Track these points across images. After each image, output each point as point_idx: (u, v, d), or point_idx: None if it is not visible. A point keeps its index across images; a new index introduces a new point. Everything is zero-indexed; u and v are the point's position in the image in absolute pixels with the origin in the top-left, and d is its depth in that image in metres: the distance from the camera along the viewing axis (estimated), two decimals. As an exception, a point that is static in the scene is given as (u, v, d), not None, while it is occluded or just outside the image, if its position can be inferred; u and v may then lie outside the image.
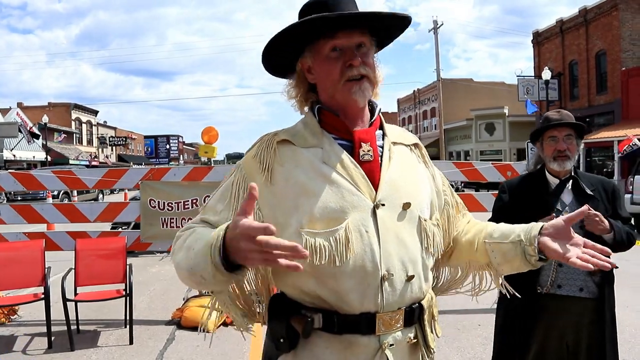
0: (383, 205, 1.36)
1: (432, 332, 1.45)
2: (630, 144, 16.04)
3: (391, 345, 1.34)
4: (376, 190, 1.37)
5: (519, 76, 28.87)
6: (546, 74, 25.89)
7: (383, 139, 1.48)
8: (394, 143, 1.50)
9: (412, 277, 1.36)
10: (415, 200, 1.42)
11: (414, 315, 1.39)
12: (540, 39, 30.62)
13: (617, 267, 2.65)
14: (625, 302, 6.20)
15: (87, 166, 34.36)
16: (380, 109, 1.52)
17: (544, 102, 26.49)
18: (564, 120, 2.61)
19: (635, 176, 12.53)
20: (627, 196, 12.59)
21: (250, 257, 1.11)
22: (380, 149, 1.45)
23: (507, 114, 35.87)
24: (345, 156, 1.39)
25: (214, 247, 1.18)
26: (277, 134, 1.46)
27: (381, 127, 1.51)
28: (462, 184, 25.88)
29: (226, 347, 4.80)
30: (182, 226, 5.23)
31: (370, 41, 1.44)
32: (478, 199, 6.07)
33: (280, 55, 1.48)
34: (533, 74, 29.88)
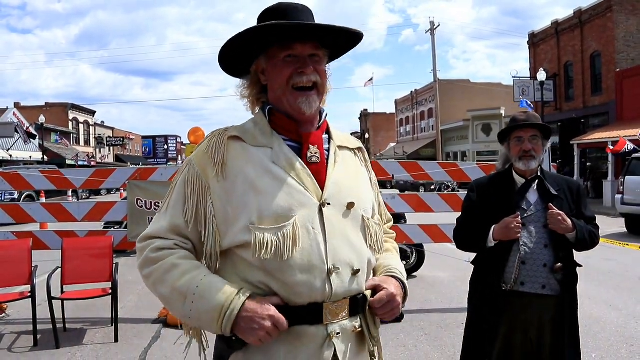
0: (329, 204, 1.43)
1: (374, 321, 1.51)
2: (625, 148, 16.11)
3: (338, 334, 1.40)
4: (322, 190, 1.44)
5: (514, 77, 28.96)
6: (541, 75, 25.97)
7: (329, 143, 1.56)
8: (340, 147, 1.58)
9: (358, 271, 1.43)
10: (359, 200, 1.50)
11: (358, 305, 1.45)
12: (535, 40, 30.70)
13: (581, 266, 2.73)
14: (608, 301, 6.25)
15: (86, 166, 34.42)
16: (326, 114, 1.59)
17: (539, 103, 26.56)
18: (530, 121, 2.67)
19: (626, 177, 12.60)
20: (618, 197, 12.67)
21: (257, 334, 1.32)
22: (327, 152, 1.53)
23: (503, 115, 35.91)
24: (294, 157, 1.46)
25: (227, 318, 1.32)
26: (227, 130, 1.51)
27: (327, 131, 1.58)
28: (458, 185, 25.96)
29: (211, 344, 4.83)
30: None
31: (323, 53, 1.52)
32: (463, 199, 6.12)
33: (237, 56, 1.54)
34: (529, 75, 29.95)
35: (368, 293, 1.47)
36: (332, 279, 1.38)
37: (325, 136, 1.56)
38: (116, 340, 4.93)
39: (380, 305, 1.45)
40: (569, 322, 2.55)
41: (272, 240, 1.34)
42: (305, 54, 1.47)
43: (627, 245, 9.81)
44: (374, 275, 1.56)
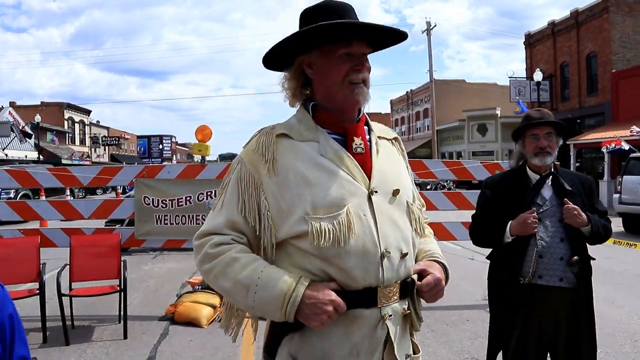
0: (376, 192, 1.50)
1: (419, 302, 1.58)
2: (614, 145, 16.26)
3: (390, 316, 1.46)
4: (369, 179, 1.51)
5: (510, 77, 29.10)
6: (538, 76, 26.11)
7: (369, 134, 1.63)
8: (379, 137, 1.65)
9: (406, 254, 1.51)
10: (402, 187, 1.58)
11: (407, 288, 1.52)
12: (532, 41, 30.86)
13: (594, 259, 2.78)
14: (610, 298, 6.33)
15: (82, 165, 34.27)
16: (364, 107, 1.65)
17: (535, 103, 26.71)
18: (545, 119, 2.72)
19: (624, 176, 12.71)
20: (616, 196, 12.78)
21: (320, 319, 1.38)
22: (369, 143, 1.60)
23: (499, 115, 36.08)
24: (340, 149, 1.53)
25: (291, 305, 1.38)
26: (274, 128, 1.58)
27: (366, 123, 1.65)
28: (454, 184, 26.08)
29: (219, 341, 4.87)
30: (175, 223, 5.25)
31: (369, 51, 1.60)
32: (467, 196, 6.18)
33: (284, 51, 1.58)
34: (525, 76, 30.10)
35: (415, 277, 1.54)
36: (384, 263, 1.45)
37: (365, 128, 1.63)
38: (125, 337, 4.95)
39: (428, 289, 1.52)
40: (585, 313, 2.62)
41: (328, 228, 1.41)
42: (360, 52, 1.53)
43: (636, 245, 9.89)
44: (416, 259, 1.62)
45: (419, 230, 1.60)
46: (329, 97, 1.56)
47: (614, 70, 23.82)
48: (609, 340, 4.83)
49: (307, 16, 1.56)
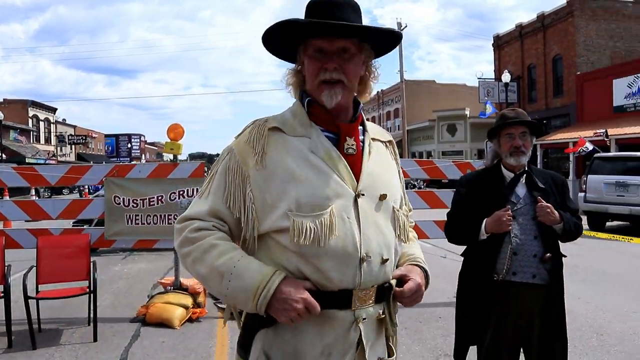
0: (363, 195, 1.49)
1: (394, 308, 1.58)
2: (583, 147, 16.74)
3: (364, 319, 1.46)
4: (357, 181, 1.50)
5: (480, 79, 29.67)
6: (506, 77, 26.66)
7: (364, 135, 1.62)
8: (373, 139, 1.64)
9: (387, 260, 1.50)
10: (390, 192, 1.57)
11: (384, 293, 1.52)
12: (500, 43, 31.47)
13: (565, 256, 2.84)
14: (577, 294, 6.49)
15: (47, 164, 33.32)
16: (362, 107, 1.64)
17: (503, 104, 27.25)
18: (520, 119, 2.76)
19: (589, 176, 13.07)
20: (581, 195, 13.12)
21: (289, 315, 1.37)
22: (362, 144, 1.59)
23: (468, 116, 36.67)
24: (331, 148, 1.51)
25: (263, 298, 1.38)
26: (267, 121, 1.56)
27: (362, 124, 1.63)
28: (425, 183, 26.39)
29: (192, 342, 4.81)
30: (147, 222, 5.17)
31: (359, 46, 1.53)
32: (439, 195, 6.26)
33: (285, 42, 1.57)
34: (494, 77, 30.68)
35: (393, 282, 1.54)
36: (363, 267, 1.44)
37: (360, 128, 1.61)
38: (95, 339, 4.84)
39: (409, 295, 1.52)
40: (557, 310, 2.68)
41: (310, 227, 1.39)
42: (333, 50, 1.49)
43: (630, 240, 10.17)
44: (398, 263, 1.62)
45: (402, 237, 1.59)
46: (312, 95, 1.55)
47: (578, 73, 24.50)
48: (577, 334, 4.95)
49: (305, 10, 1.55)
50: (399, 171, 1.71)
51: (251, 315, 1.49)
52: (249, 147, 1.51)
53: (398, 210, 1.57)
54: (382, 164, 1.61)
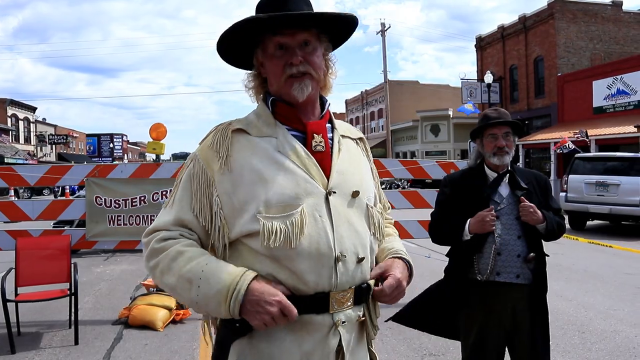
0: (334, 192, 1.44)
1: (375, 310, 1.54)
2: (565, 145, 17.00)
3: (343, 322, 1.41)
4: (328, 179, 1.45)
5: (462, 79, 29.91)
6: (488, 78, 26.94)
7: (332, 132, 1.57)
8: (343, 136, 1.59)
9: (363, 259, 1.45)
10: (363, 188, 1.52)
11: (362, 294, 1.46)
12: (482, 44, 31.76)
13: (548, 256, 2.87)
14: (559, 292, 6.57)
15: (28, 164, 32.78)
16: (329, 104, 1.60)
17: (486, 105, 27.52)
18: (503, 119, 2.77)
19: (570, 175, 13.24)
20: (562, 194, 13.29)
21: (262, 318, 1.31)
22: (330, 141, 1.53)
23: (451, 116, 36.95)
24: (299, 146, 1.46)
25: (234, 299, 1.32)
26: (231, 124, 1.51)
27: (330, 121, 1.59)
28: (409, 183, 26.53)
29: (175, 345, 4.76)
30: (129, 223, 5.09)
31: (318, 38, 1.51)
32: (423, 195, 6.28)
33: (239, 49, 1.53)
34: (476, 78, 30.95)
35: (371, 282, 1.49)
36: (338, 267, 1.39)
37: (328, 125, 1.57)
38: (76, 342, 4.76)
39: (389, 292, 1.47)
40: (540, 309, 2.69)
41: (280, 228, 1.35)
42: (295, 43, 1.45)
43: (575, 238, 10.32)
44: (377, 260, 1.57)
45: (377, 235, 1.54)
46: (280, 95, 1.50)
47: (559, 74, 24.82)
48: (559, 332, 5.00)
49: (256, 10, 1.51)
50: (371, 168, 1.67)
51: (224, 328, 1.44)
52: (212, 151, 1.46)
53: (372, 208, 1.53)
54: (353, 161, 1.57)
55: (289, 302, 1.32)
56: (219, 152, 1.45)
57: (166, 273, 1.39)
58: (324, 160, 1.48)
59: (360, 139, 1.68)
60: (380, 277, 1.51)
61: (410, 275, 1.57)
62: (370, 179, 1.62)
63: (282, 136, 1.47)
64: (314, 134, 1.49)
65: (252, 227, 1.37)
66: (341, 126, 1.62)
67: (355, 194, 1.48)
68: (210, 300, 1.34)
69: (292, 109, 1.49)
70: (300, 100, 1.47)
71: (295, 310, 1.32)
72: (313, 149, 1.47)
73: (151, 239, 1.45)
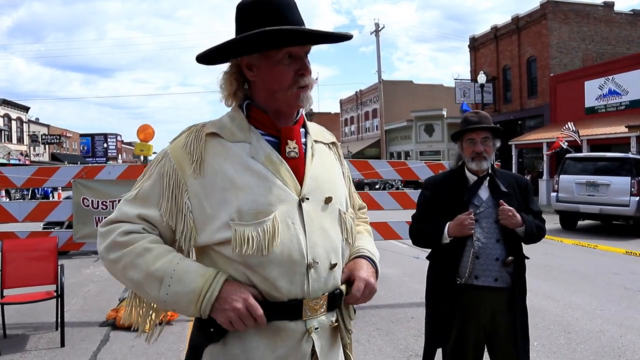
0: (308, 199, 1.44)
1: (348, 314, 1.54)
2: (561, 143, 17.07)
3: (316, 329, 1.42)
4: (301, 185, 1.45)
5: (456, 79, 29.98)
6: (481, 78, 27.01)
7: (306, 137, 1.57)
8: (316, 141, 1.59)
9: (335, 265, 1.46)
10: (336, 194, 1.53)
11: (336, 300, 1.47)
12: (476, 44, 31.82)
13: (528, 258, 2.88)
14: (547, 293, 6.60)
15: (20, 165, 32.58)
16: (303, 110, 1.58)
17: (479, 105, 27.60)
18: (482, 124, 2.77)
19: (561, 176, 13.31)
20: (553, 194, 13.36)
21: (227, 315, 1.32)
22: (304, 146, 1.53)
23: (445, 116, 37.01)
24: (272, 152, 1.45)
25: (207, 300, 1.33)
26: (205, 126, 1.49)
27: (304, 126, 1.58)
28: (402, 184, 26.58)
29: (162, 346, 4.75)
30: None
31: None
32: (412, 196, 6.30)
33: (221, 49, 1.48)
34: (470, 78, 31.02)
35: (343, 287, 1.50)
36: (311, 274, 1.39)
37: (302, 130, 1.56)
38: (62, 345, 4.75)
39: (360, 295, 1.48)
40: (519, 312, 2.70)
41: (252, 236, 1.34)
42: (303, 53, 1.46)
43: (563, 240, 10.37)
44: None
45: (350, 240, 1.54)
46: (271, 101, 1.48)
47: (552, 74, 24.91)
48: (545, 332, 5.04)
49: (244, 12, 1.47)
50: (344, 172, 1.68)
51: (197, 332, 1.44)
52: (185, 152, 1.44)
53: (344, 213, 1.53)
54: (326, 166, 1.56)
55: (255, 301, 1.33)
56: (192, 155, 1.43)
57: (130, 269, 1.38)
58: (298, 167, 1.47)
59: (333, 143, 1.68)
60: (347, 281, 1.51)
61: (376, 270, 1.59)
62: (343, 184, 1.63)
63: (256, 141, 1.46)
64: (288, 140, 1.48)
65: (224, 235, 1.36)
66: (314, 131, 1.61)
67: (329, 200, 1.49)
68: (180, 299, 1.34)
69: (267, 115, 1.48)
70: (306, 111, 1.50)
71: (260, 310, 1.32)
72: (287, 155, 1.47)
73: (111, 230, 1.42)
